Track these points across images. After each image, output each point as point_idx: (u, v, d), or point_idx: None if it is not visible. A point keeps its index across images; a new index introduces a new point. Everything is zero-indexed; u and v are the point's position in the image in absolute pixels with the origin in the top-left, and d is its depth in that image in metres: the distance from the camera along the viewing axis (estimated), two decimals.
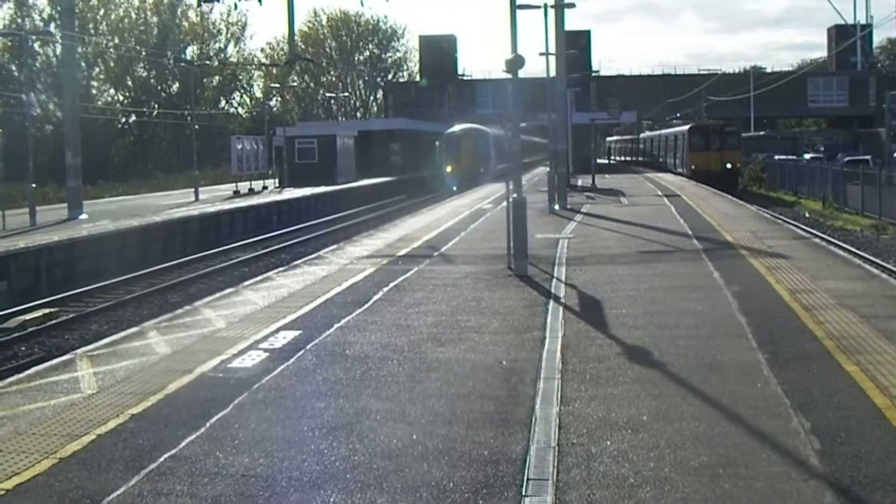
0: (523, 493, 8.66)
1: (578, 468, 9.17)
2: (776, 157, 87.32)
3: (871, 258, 30.55)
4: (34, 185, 46.24)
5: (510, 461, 9.45)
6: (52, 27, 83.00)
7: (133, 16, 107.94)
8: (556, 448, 9.77)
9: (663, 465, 9.21)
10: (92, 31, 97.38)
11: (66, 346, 16.51)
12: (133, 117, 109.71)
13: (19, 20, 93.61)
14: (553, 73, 49.48)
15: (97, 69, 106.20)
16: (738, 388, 11.84)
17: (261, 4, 42.93)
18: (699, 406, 11.20)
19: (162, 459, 9.82)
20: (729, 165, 74.93)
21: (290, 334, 15.88)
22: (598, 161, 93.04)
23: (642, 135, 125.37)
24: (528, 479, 8.94)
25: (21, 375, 13.95)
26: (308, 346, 14.94)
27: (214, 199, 61.54)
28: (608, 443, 9.89)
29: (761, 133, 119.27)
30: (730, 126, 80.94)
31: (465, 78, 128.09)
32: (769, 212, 46.17)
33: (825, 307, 16.65)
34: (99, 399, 12.30)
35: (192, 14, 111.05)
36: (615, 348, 14.26)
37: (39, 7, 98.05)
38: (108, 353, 15.16)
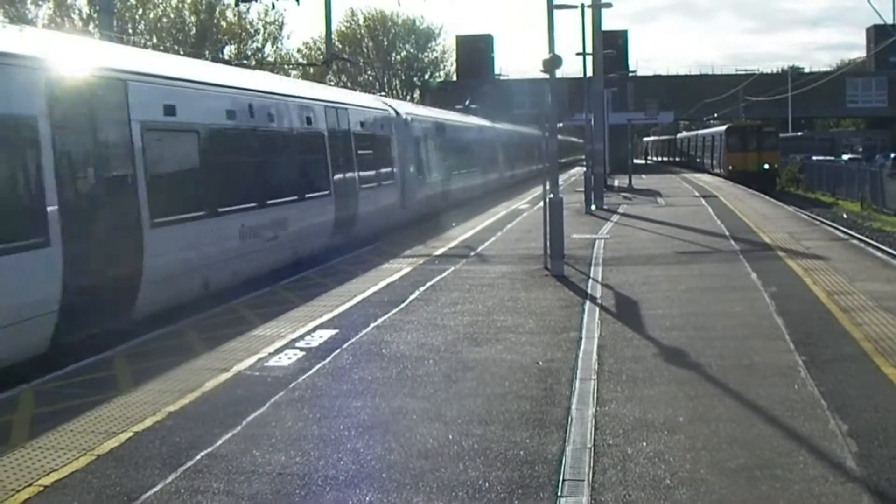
0: (559, 493, 8.66)
1: (614, 469, 9.17)
2: (814, 157, 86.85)
3: None
4: None
5: (546, 461, 9.45)
6: (91, 27, 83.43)
7: (171, 15, 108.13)
8: (592, 449, 9.77)
9: (700, 466, 9.19)
10: (130, 31, 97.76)
11: (103, 344, 16.51)
12: None
13: (59, 20, 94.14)
14: (590, 73, 49.41)
15: None
16: (775, 389, 11.80)
17: (298, 4, 42.98)
18: (736, 407, 11.17)
19: (199, 457, 9.87)
20: (766, 166, 74.54)
21: (327, 333, 15.92)
22: (635, 161, 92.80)
23: (679, 135, 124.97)
24: (563, 480, 8.94)
25: (60, 373, 14.02)
26: (344, 345, 14.98)
27: None
28: (644, 444, 9.88)
29: (799, 133, 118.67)
30: (767, 126, 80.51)
31: (501, 77, 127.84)
32: (806, 213, 45.95)
33: (863, 309, 16.56)
34: (136, 396, 12.37)
35: (229, 14, 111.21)
36: (652, 349, 14.23)
37: (78, 7, 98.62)
38: (146, 351, 15.25)
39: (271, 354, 14.47)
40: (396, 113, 37.56)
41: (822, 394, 11.51)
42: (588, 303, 18.30)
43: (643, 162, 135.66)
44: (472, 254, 26.55)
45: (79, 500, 8.89)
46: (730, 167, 75.34)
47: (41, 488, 9.11)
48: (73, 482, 9.28)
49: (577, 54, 51.89)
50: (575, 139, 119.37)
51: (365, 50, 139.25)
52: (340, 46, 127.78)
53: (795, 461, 9.26)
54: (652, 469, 9.14)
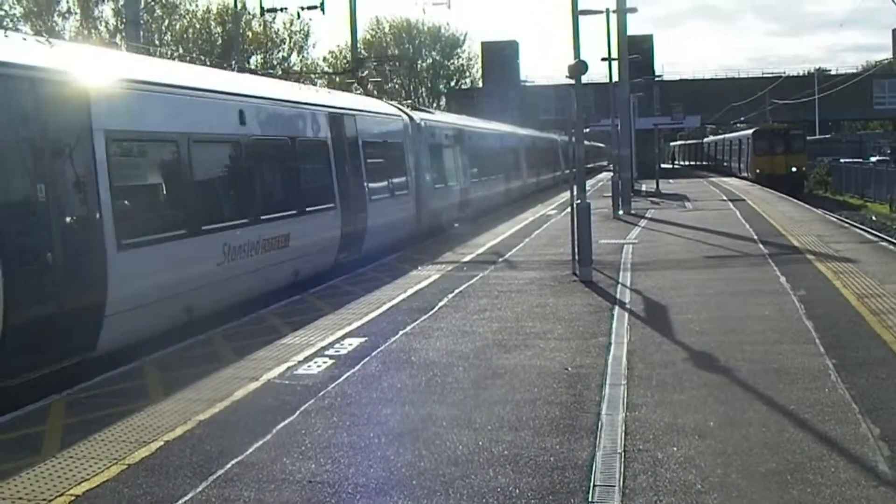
0: (590, 499, 8.65)
1: (645, 474, 9.15)
2: (841, 160, 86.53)
3: None
4: None
5: (576, 467, 9.44)
6: (117, 39, 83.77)
7: (197, 26, 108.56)
8: (623, 454, 9.75)
9: (731, 471, 9.16)
10: (157, 43, 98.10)
11: (133, 353, 16.64)
12: None
13: (86, 32, 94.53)
14: (616, 78, 49.37)
15: None
16: (806, 393, 11.75)
17: (324, 13, 43.10)
18: (766, 412, 11.12)
19: (229, 466, 9.90)
20: (794, 169, 74.30)
21: (356, 341, 15.94)
22: (662, 166, 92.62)
23: (706, 139, 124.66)
24: (594, 486, 8.92)
25: (90, 382, 14.07)
26: (373, 353, 14.99)
27: None
28: (675, 449, 9.85)
29: (826, 136, 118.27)
30: (795, 129, 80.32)
31: (527, 84, 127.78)
32: (835, 215, 45.66)
33: (893, 311, 16.47)
34: (166, 405, 12.41)
35: (255, 24, 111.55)
36: (681, 353, 14.19)
37: (105, 19, 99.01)
38: (176, 361, 15.29)
39: (301, 363, 14.50)
40: None
41: (852, 397, 11.46)
42: (617, 308, 18.27)
43: (670, 166, 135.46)
44: (500, 260, 26.55)
45: None
46: (757, 170, 75.11)
47: (72, 498, 9.14)
48: (104, 492, 9.32)
49: (603, 59, 51.97)
50: (600, 144, 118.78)
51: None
52: (366, 54, 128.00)
53: (827, 465, 9.22)
54: (683, 474, 9.11)
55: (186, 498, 9.06)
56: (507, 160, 56.02)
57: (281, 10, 48.71)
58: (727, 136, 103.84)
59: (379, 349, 15.29)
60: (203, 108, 19.76)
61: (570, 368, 13.58)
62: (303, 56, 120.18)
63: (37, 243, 14.02)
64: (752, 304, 18.06)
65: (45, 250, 14.06)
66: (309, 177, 24.87)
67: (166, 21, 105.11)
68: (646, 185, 63.99)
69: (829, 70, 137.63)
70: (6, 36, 15.61)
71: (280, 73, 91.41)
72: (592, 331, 16.25)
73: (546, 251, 28.27)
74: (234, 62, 40.38)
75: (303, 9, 46.58)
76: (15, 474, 9.81)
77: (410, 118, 36.12)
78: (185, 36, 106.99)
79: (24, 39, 15.96)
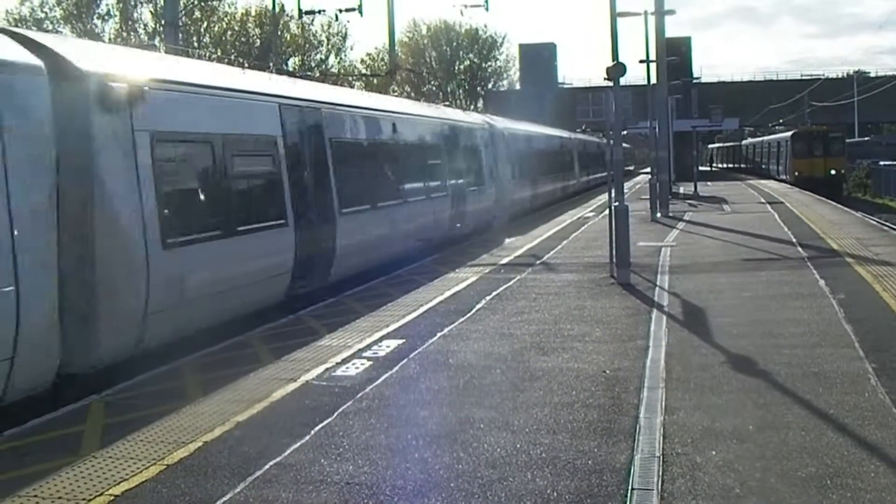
0: (628, 502, 8.62)
1: (683, 478, 9.11)
2: (881, 162, 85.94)
3: None
4: None
5: (614, 471, 9.42)
6: (156, 41, 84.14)
7: (236, 28, 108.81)
8: (661, 458, 9.72)
9: (769, 475, 9.12)
10: (195, 45, 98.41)
11: (172, 355, 16.75)
12: None
13: (124, 34, 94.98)
14: (654, 80, 49.22)
15: None
16: (845, 397, 11.68)
17: (361, 16, 43.15)
18: (805, 416, 11.06)
19: (267, 467, 9.92)
20: (833, 172, 73.95)
21: (394, 343, 15.95)
22: (700, 168, 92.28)
23: (744, 141, 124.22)
24: (632, 489, 8.89)
25: (128, 383, 14.16)
26: (411, 355, 14.99)
27: None
28: (713, 452, 9.81)
29: (865, 139, 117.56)
30: (833, 132, 79.89)
31: (565, 86, 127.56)
32: (875, 218, 45.25)
33: None
34: (205, 406, 12.45)
35: (293, 26, 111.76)
36: (719, 357, 14.13)
37: (144, 21, 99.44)
38: (214, 362, 15.37)
39: (338, 364, 14.52)
40: None
41: (893, 402, 11.38)
42: (655, 311, 18.21)
43: (708, 169, 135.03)
44: (538, 262, 26.51)
45: None
46: (796, 173, 74.77)
47: (112, 498, 9.18)
48: (142, 492, 9.36)
49: (641, 62, 51.69)
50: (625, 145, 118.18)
51: (428, 60, 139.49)
52: (404, 57, 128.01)
53: (867, 470, 9.17)
54: (721, 478, 9.08)
55: (225, 499, 9.09)
56: None
57: (319, 12, 48.68)
58: (765, 138, 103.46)
59: (416, 351, 15.30)
60: None
61: (608, 371, 13.56)
62: (340, 58, 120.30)
63: None
64: (790, 307, 17.98)
65: None
66: None
67: (205, 23, 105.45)
68: (683, 188, 63.80)
69: (868, 72, 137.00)
70: None
71: (318, 75, 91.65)
72: (630, 334, 16.21)
73: (584, 254, 28.23)
74: (271, 64, 40.36)
75: (341, 11, 46.50)
76: (54, 474, 9.88)
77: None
78: (223, 38, 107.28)
79: None
